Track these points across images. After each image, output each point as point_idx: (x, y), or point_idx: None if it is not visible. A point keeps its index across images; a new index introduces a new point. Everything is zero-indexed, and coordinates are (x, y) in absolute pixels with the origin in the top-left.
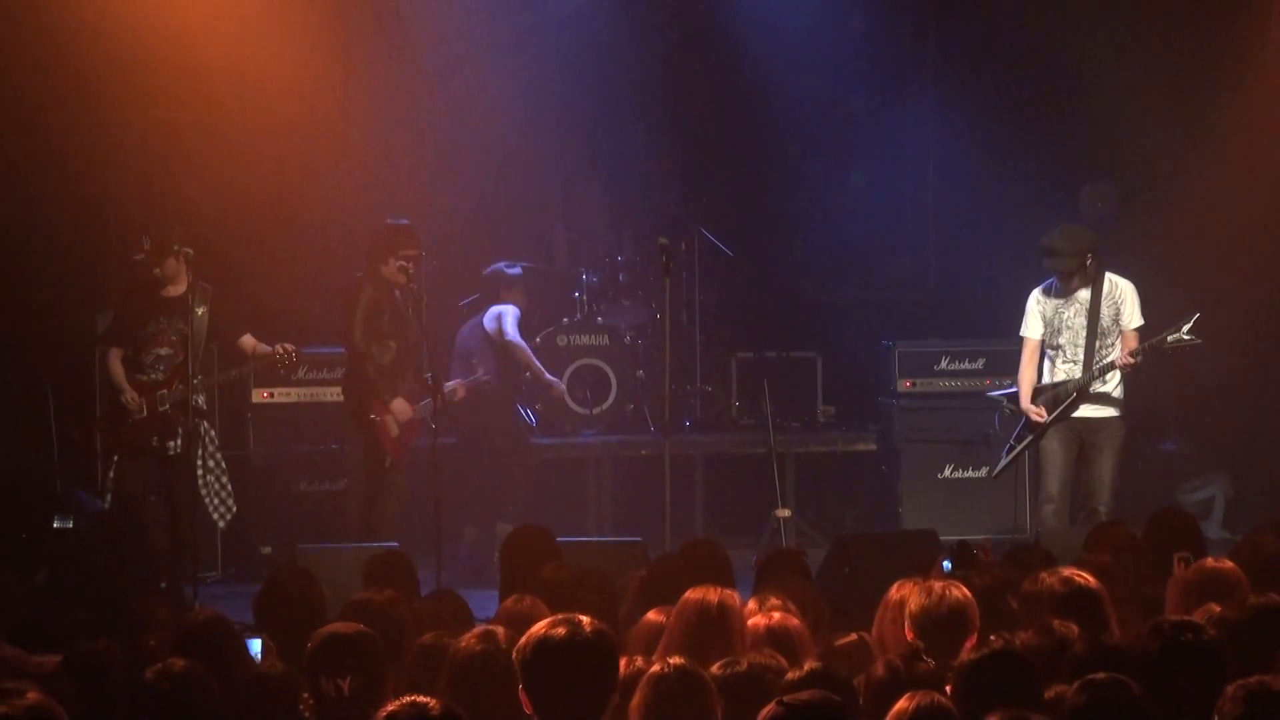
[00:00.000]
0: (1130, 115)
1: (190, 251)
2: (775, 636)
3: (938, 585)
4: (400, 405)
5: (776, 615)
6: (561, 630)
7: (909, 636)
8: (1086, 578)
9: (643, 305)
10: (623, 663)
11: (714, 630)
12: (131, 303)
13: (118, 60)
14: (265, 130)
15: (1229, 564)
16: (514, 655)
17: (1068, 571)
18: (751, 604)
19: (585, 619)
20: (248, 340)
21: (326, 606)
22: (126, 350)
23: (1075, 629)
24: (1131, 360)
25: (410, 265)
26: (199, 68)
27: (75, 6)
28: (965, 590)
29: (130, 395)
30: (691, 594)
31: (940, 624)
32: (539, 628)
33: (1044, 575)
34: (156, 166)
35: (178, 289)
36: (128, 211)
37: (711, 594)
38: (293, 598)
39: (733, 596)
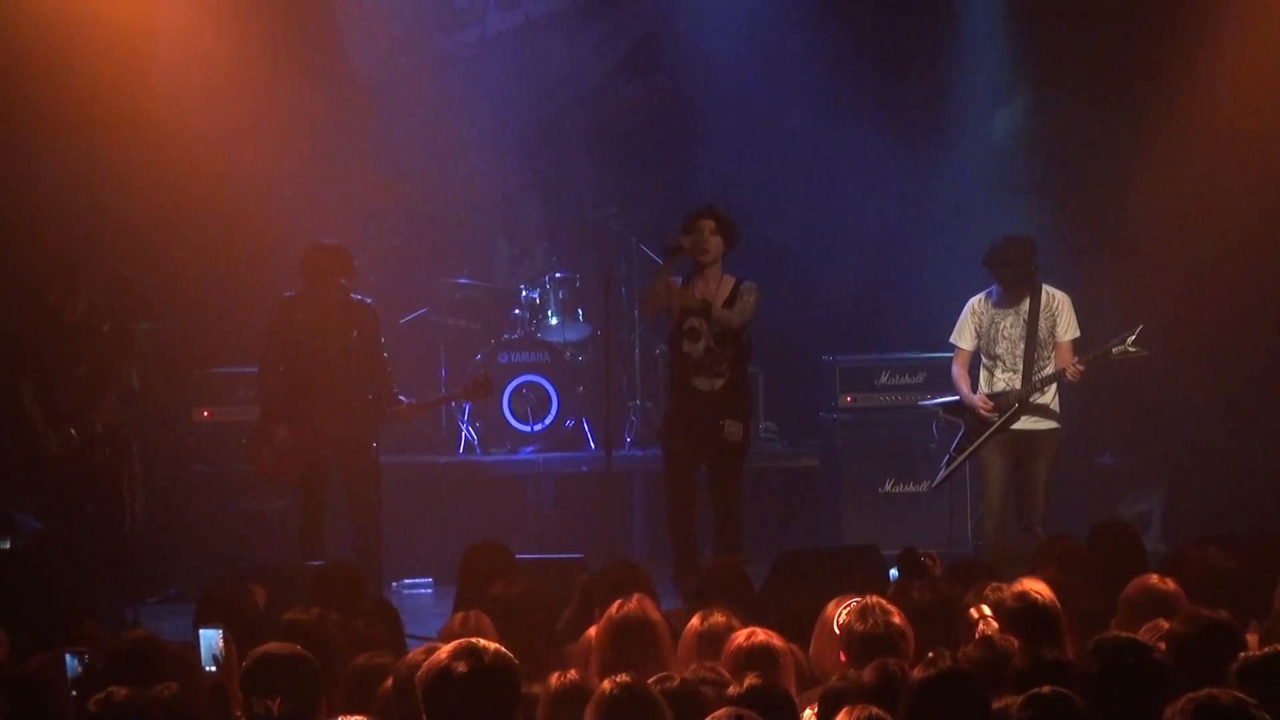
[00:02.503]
0: (1067, 128)
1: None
2: (758, 657)
3: (871, 604)
4: (281, 431)
5: (760, 635)
6: (462, 663)
7: (840, 657)
8: (1042, 593)
9: (583, 322)
10: (554, 676)
11: (633, 641)
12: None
13: (57, 84)
14: (204, 147)
15: (1172, 584)
16: (416, 683)
17: (1022, 586)
18: (695, 619)
19: (489, 646)
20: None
21: (262, 618)
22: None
23: (1015, 643)
24: (1081, 370)
25: (347, 285)
26: (139, 87)
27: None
28: (898, 612)
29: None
30: (613, 608)
31: (870, 645)
32: (440, 655)
33: (999, 589)
34: (96, 186)
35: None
36: (69, 229)
37: (627, 605)
38: (227, 611)
39: (653, 606)
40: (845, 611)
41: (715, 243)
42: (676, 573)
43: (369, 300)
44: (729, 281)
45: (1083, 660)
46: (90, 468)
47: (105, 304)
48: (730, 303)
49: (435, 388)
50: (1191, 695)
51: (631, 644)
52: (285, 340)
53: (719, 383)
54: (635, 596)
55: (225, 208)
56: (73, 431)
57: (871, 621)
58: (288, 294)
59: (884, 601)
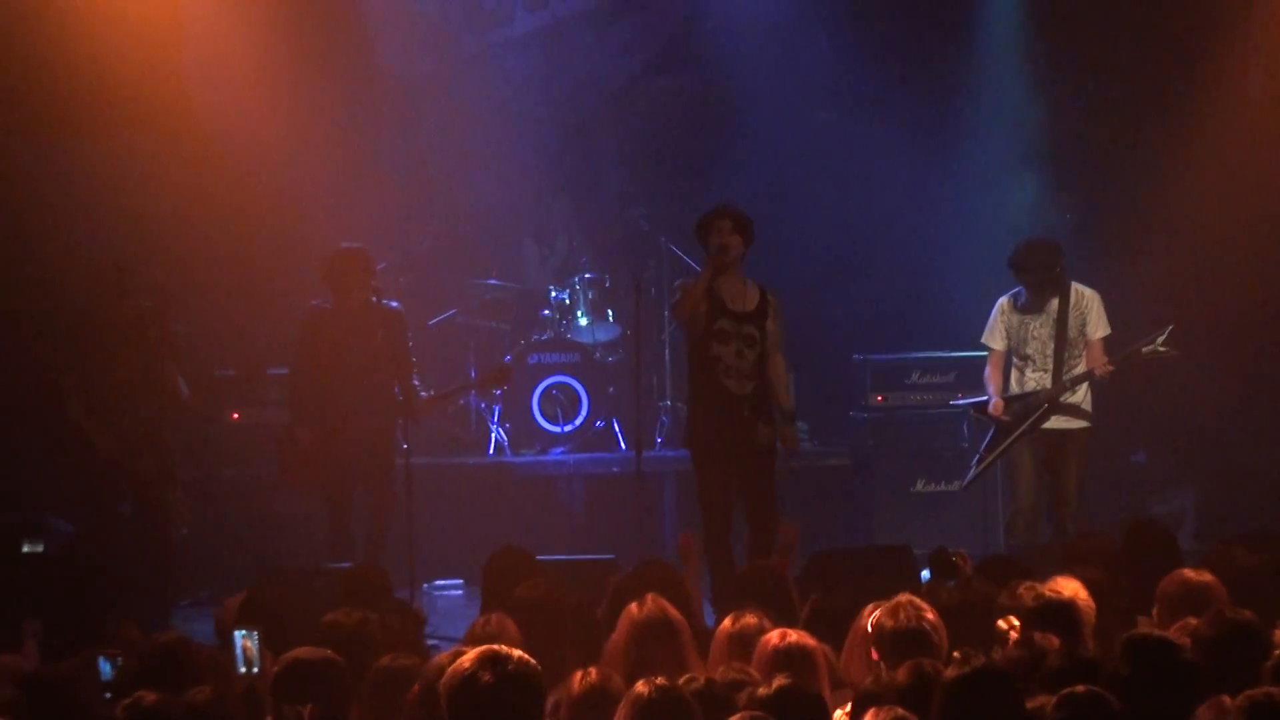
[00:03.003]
0: (1096, 126)
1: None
2: (791, 658)
3: (903, 602)
4: (308, 435)
5: (792, 636)
6: (486, 670)
7: (873, 656)
8: (1060, 591)
9: (613, 322)
10: (576, 677)
11: (656, 642)
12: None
13: (89, 84)
14: (234, 148)
15: (1208, 576)
16: (440, 689)
17: (1044, 586)
18: (727, 621)
19: (512, 653)
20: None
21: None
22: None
23: (1055, 641)
24: (1111, 369)
25: (369, 284)
26: (170, 88)
27: (49, 30)
28: (930, 609)
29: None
30: (630, 608)
31: (902, 642)
32: (463, 662)
33: (1031, 588)
34: (127, 187)
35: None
36: (96, 233)
37: (647, 606)
38: (254, 612)
39: (666, 606)
40: (877, 611)
41: (735, 242)
42: (717, 593)
43: (395, 304)
44: (754, 287)
45: (1113, 660)
46: (133, 470)
47: (151, 309)
48: (761, 312)
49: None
50: (1249, 693)
51: (653, 645)
52: (313, 347)
53: (750, 386)
54: (650, 596)
55: (255, 209)
56: (117, 433)
57: (903, 618)
58: (316, 302)
59: (916, 599)
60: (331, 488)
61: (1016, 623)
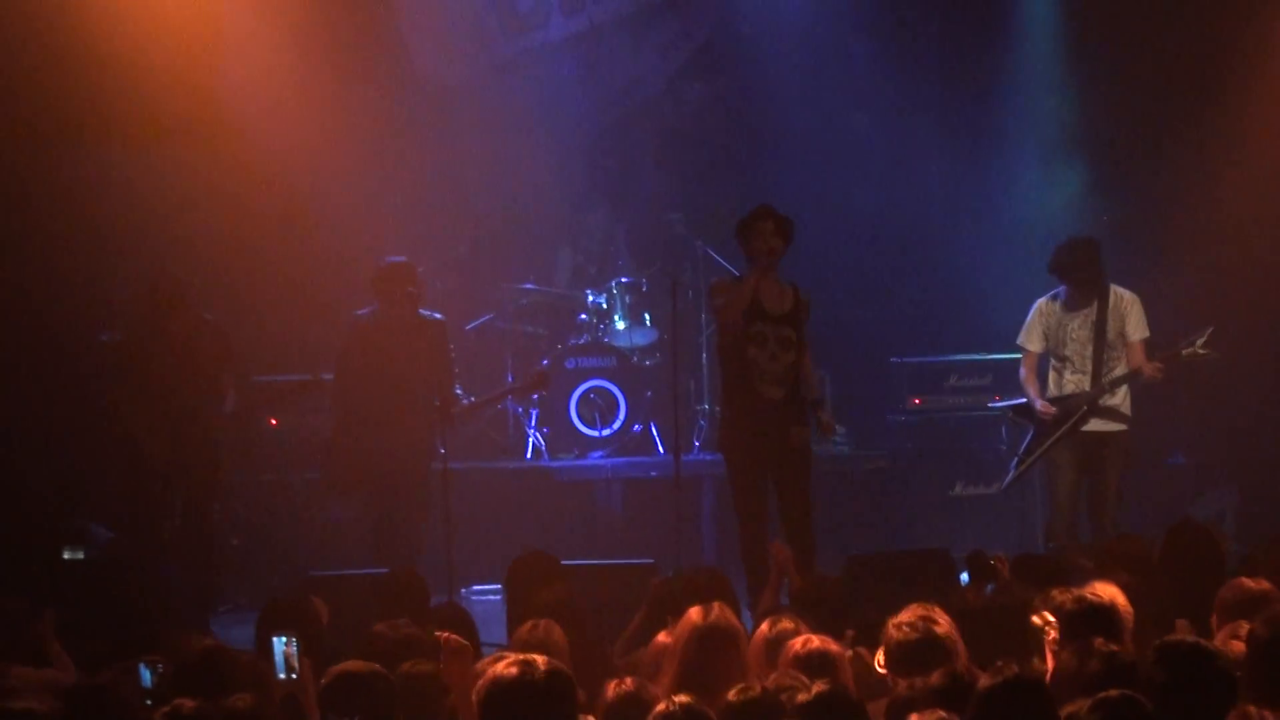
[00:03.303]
0: (1133, 127)
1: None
2: (814, 663)
3: (915, 613)
4: (351, 443)
5: (815, 641)
6: (515, 671)
7: (880, 666)
8: (1099, 594)
9: (650, 326)
10: (611, 685)
11: (718, 650)
12: None
13: (127, 94)
14: (269, 155)
15: (1266, 584)
16: (473, 695)
17: (1089, 588)
18: (764, 626)
19: (541, 659)
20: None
21: (325, 626)
22: None
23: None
24: (1161, 368)
25: (415, 296)
26: (205, 99)
27: (88, 41)
28: (943, 620)
29: None
30: (692, 614)
31: (911, 656)
32: (496, 669)
33: (1066, 592)
34: (165, 198)
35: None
36: (135, 241)
37: (713, 613)
38: (291, 619)
39: (731, 615)
40: (891, 624)
41: (778, 244)
42: (753, 597)
43: (438, 315)
44: (789, 288)
45: (1148, 666)
46: (181, 479)
47: (210, 321)
48: (795, 313)
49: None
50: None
51: (715, 653)
52: (356, 356)
53: (784, 390)
54: (717, 605)
55: (291, 215)
56: (167, 443)
57: (908, 630)
58: (359, 312)
59: (932, 610)
60: (372, 494)
61: (1052, 618)
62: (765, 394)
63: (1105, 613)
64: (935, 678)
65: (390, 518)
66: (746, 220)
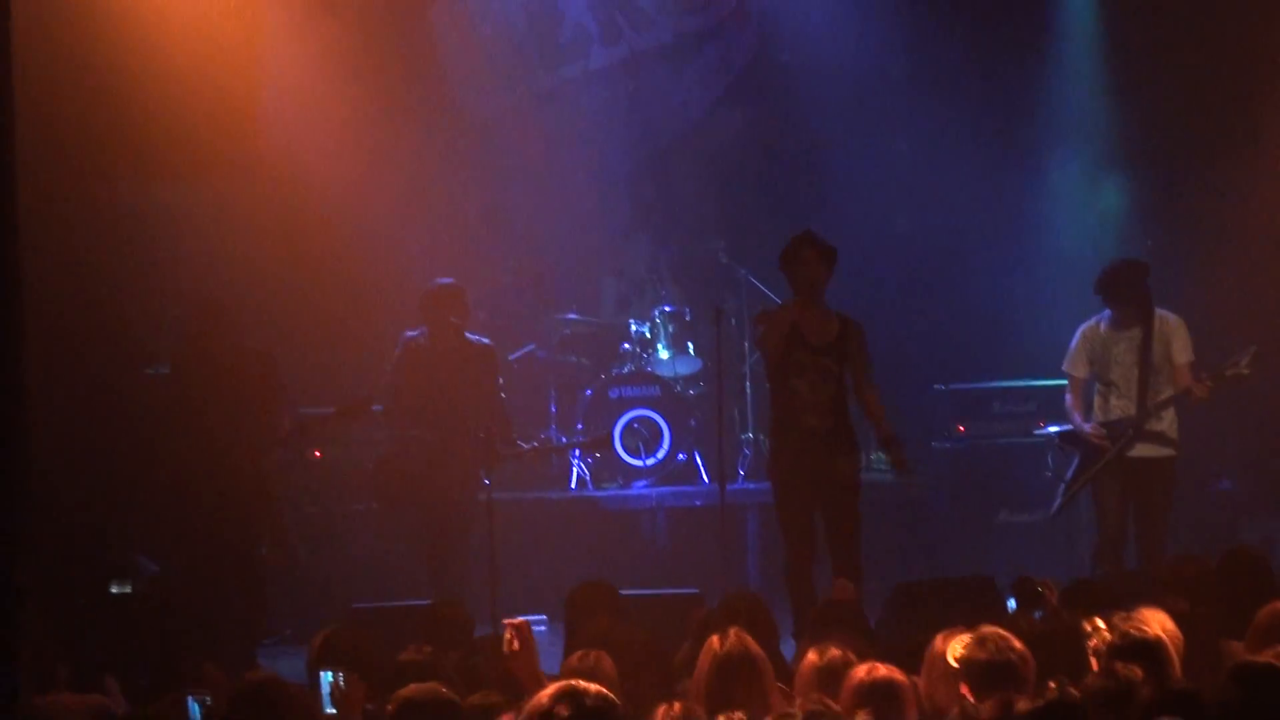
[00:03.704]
0: (1180, 151)
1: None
2: (880, 692)
3: (989, 633)
4: (403, 467)
5: (881, 670)
6: (563, 706)
7: (963, 689)
8: (1143, 625)
9: (693, 355)
10: (660, 710)
11: (737, 677)
12: None
13: (170, 129)
14: (311, 187)
15: None
16: None
17: (1140, 617)
18: (812, 654)
19: (590, 688)
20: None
21: (379, 662)
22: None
23: (1139, 673)
24: (1210, 386)
25: (458, 325)
26: (248, 133)
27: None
28: (1017, 639)
29: None
30: (712, 642)
31: (993, 673)
32: (541, 698)
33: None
34: (209, 233)
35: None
36: (180, 276)
37: (729, 640)
38: (341, 653)
39: (749, 641)
40: (961, 643)
41: (822, 273)
42: (798, 628)
43: (486, 340)
44: (835, 318)
45: (1220, 688)
46: (231, 510)
47: (257, 351)
48: (840, 344)
49: (545, 423)
50: None
51: (734, 680)
52: (405, 376)
53: (828, 420)
54: (733, 631)
55: (333, 246)
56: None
57: (992, 649)
58: (410, 333)
59: (1000, 630)
60: (424, 520)
61: (1102, 624)
62: (807, 424)
63: (1147, 647)
64: (987, 710)
65: (441, 544)
66: (789, 249)
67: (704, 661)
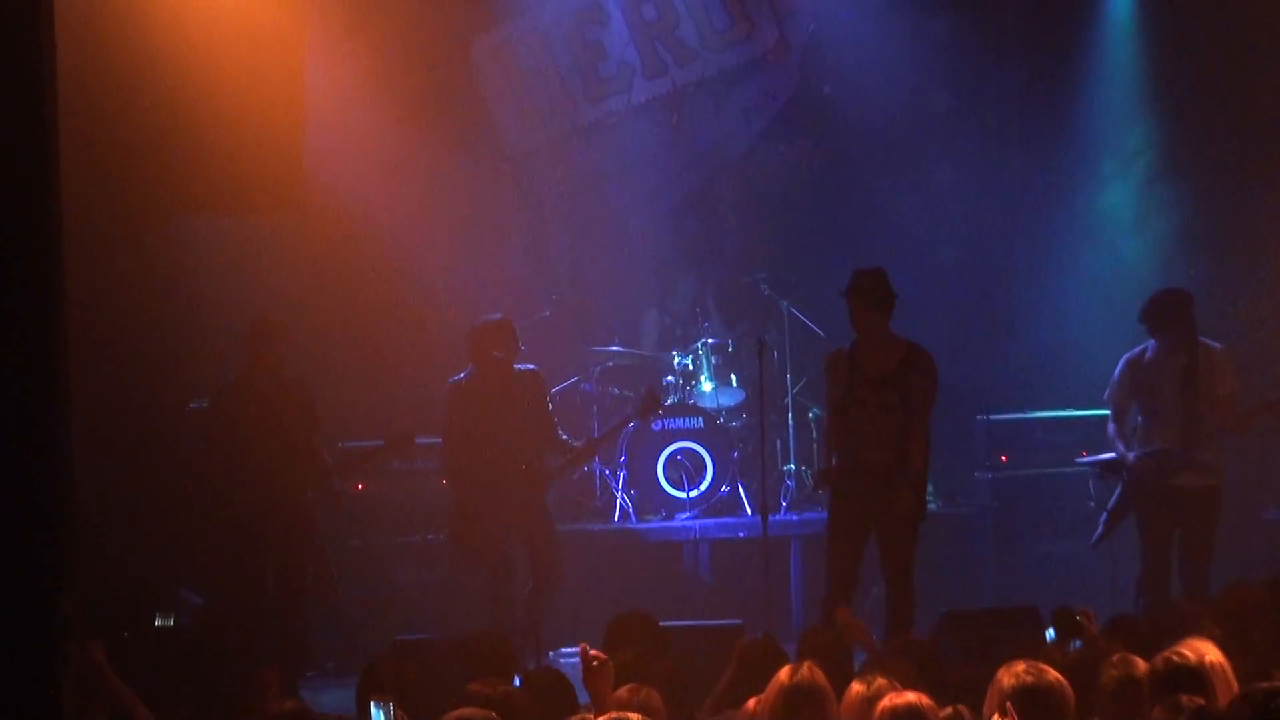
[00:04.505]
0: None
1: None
2: (901, 717)
3: (1025, 665)
4: (471, 508)
5: (909, 696)
6: None
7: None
8: (1196, 654)
9: (737, 387)
10: None
11: (804, 709)
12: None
13: (215, 162)
14: (353, 221)
15: None
16: None
17: (1186, 646)
18: (858, 685)
19: (635, 717)
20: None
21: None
22: None
23: (1202, 702)
24: (1248, 424)
25: (505, 358)
26: (291, 167)
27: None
28: (1055, 671)
29: None
30: (781, 674)
31: (1023, 704)
32: None
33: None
34: (253, 266)
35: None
36: (224, 309)
37: (801, 672)
38: (387, 685)
39: (819, 674)
40: (1011, 669)
41: (872, 316)
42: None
43: (532, 366)
44: (898, 349)
45: (1232, 708)
46: (272, 542)
47: (294, 380)
48: (901, 375)
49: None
50: None
51: (802, 712)
52: (457, 423)
53: (889, 455)
54: (807, 664)
55: (376, 280)
56: (257, 505)
57: (1025, 676)
58: (454, 378)
59: (1038, 662)
60: (492, 554)
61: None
62: (866, 458)
63: (1191, 674)
64: None
65: (509, 580)
66: (851, 285)
67: (772, 692)
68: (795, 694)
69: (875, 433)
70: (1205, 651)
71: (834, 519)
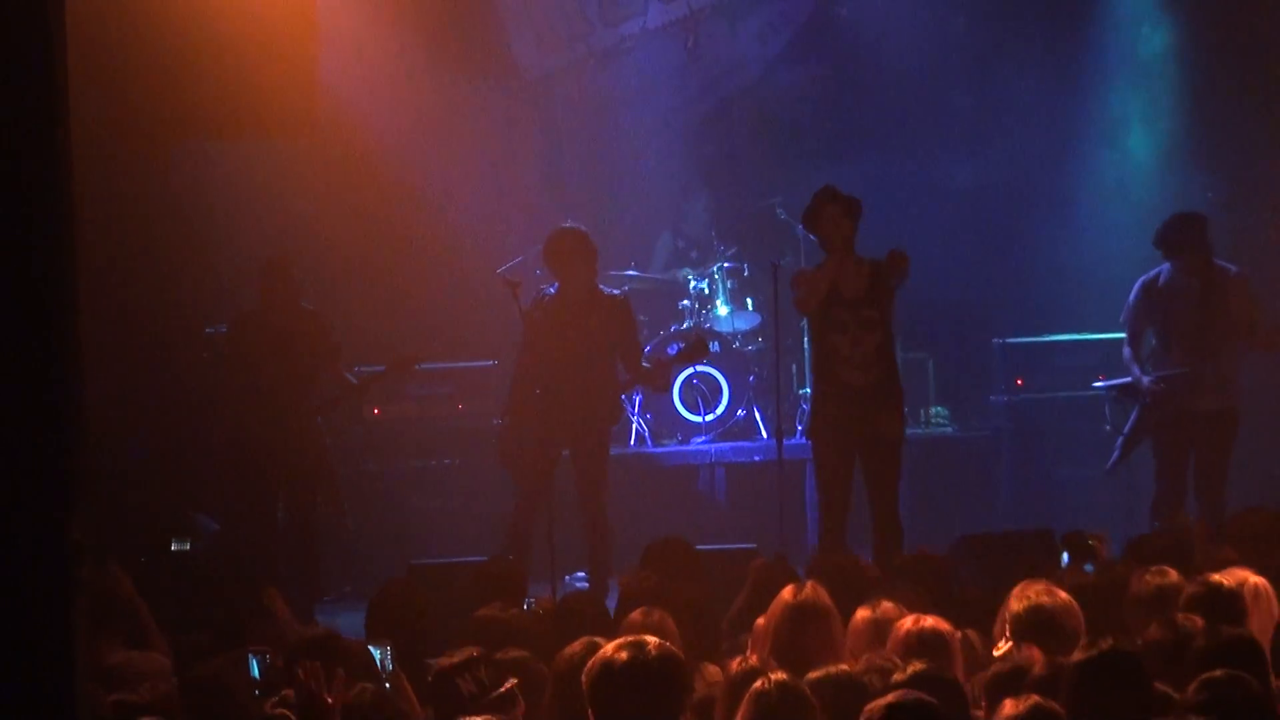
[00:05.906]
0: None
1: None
2: (926, 643)
3: (1036, 589)
4: (523, 426)
5: (928, 621)
6: (625, 653)
7: (1007, 640)
8: (1233, 579)
9: (752, 311)
10: (735, 662)
11: (809, 627)
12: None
13: (227, 88)
14: (369, 145)
15: None
16: (583, 677)
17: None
18: (864, 609)
19: (652, 640)
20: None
21: (433, 617)
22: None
23: (1199, 623)
24: (1266, 344)
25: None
26: (305, 92)
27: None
28: (1064, 594)
29: None
30: (785, 593)
31: (1031, 626)
32: (606, 649)
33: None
34: (267, 192)
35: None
36: (239, 235)
37: (804, 591)
38: (399, 609)
39: (823, 593)
40: (1016, 594)
41: (847, 226)
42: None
43: (618, 292)
44: (866, 264)
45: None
46: (288, 469)
47: (311, 311)
48: (874, 290)
49: None
50: None
51: (806, 631)
52: (532, 337)
53: (870, 375)
54: (810, 584)
55: (390, 204)
56: (273, 432)
57: (1033, 598)
58: (544, 288)
59: (1049, 584)
60: (531, 477)
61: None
62: (849, 380)
63: (1229, 597)
64: (1038, 667)
65: (538, 506)
66: (811, 208)
67: (776, 611)
68: (799, 612)
69: (856, 354)
70: (1247, 578)
71: (818, 447)
